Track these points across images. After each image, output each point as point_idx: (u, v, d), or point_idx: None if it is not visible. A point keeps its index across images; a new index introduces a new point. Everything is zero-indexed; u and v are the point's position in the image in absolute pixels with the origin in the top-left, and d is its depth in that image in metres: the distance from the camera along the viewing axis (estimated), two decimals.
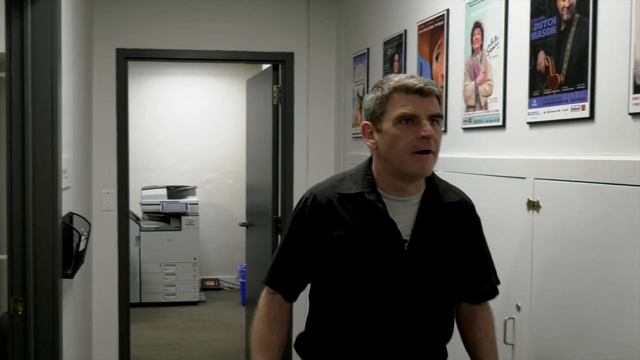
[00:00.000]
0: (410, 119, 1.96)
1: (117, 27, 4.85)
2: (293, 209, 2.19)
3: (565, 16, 2.18)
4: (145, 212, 7.99)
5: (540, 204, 2.21)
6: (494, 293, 2.23)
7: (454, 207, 2.13)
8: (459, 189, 2.20)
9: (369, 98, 2.06)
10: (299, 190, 5.06)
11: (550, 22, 2.26)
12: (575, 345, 2.05)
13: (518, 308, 2.33)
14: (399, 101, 1.97)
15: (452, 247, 2.11)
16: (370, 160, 2.13)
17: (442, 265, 2.09)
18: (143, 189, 8.05)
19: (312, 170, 5.10)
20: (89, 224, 3.90)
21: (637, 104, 1.85)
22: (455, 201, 2.14)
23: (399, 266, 2.04)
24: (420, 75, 3.39)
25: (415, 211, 2.07)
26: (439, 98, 2.02)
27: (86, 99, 4.40)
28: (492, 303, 2.26)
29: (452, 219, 2.12)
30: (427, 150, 1.96)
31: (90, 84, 4.66)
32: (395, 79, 2.01)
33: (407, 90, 1.97)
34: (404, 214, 2.06)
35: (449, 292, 2.13)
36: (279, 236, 5.11)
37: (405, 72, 3.65)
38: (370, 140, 2.06)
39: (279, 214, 5.10)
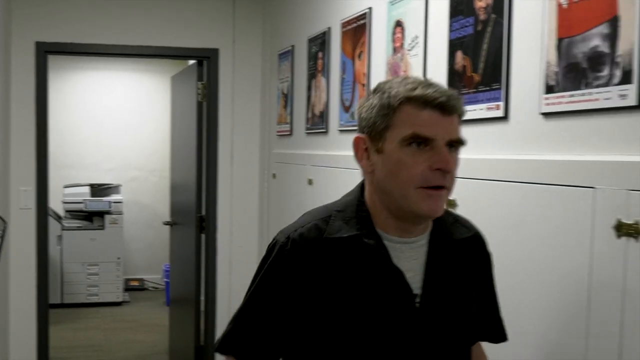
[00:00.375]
0: (424, 142, 1.46)
1: (37, 20, 4.71)
2: (263, 257, 1.63)
3: (482, 16, 2.21)
4: (67, 211, 7.80)
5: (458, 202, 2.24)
6: (504, 337, 1.80)
7: (466, 245, 1.65)
8: (467, 220, 1.73)
9: (369, 105, 1.53)
10: (224, 189, 5.02)
11: (467, 22, 2.29)
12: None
13: None
14: (412, 116, 1.46)
15: (469, 295, 1.65)
16: (361, 187, 1.61)
17: (461, 319, 1.63)
18: (65, 186, 7.86)
19: (236, 169, 5.07)
20: (5, 223, 3.77)
21: (548, 104, 1.89)
22: (467, 237, 1.66)
23: (410, 329, 1.55)
24: (344, 74, 3.40)
25: (423, 255, 1.58)
26: (460, 117, 1.52)
27: (3, 94, 4.26)
28: None
29: (466, 259, 1.65)
30: (441, 185, 1.48)
31: (8, 78, 4.51)
32: (409, 84, 1.49)
33: (425, 103, 1.46)
34: (410, 259, 1.56)
35: (468, 347, 1.70)
36: (202, 235, 5.06)
37: (328, 71, 3.65)
38: (365, 161, 1.54)
39: (203, 212, 5.05)
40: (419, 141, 1.45)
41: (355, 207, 1.58)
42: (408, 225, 1.55)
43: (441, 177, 1.46)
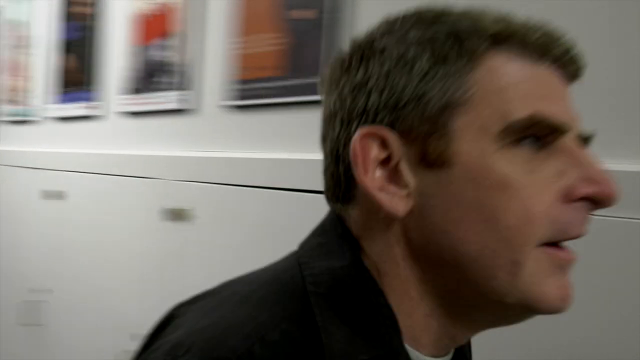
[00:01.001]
0: (550, 137, 0.59)
1: None
2: None
3: (87, 22, 2.41)
4: None
5: (68, 193, 2.38)
6: None
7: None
8: None
9: (391, 57, 0.60)
10: None
11: (75, 26, 2.48)
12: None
13: (50, 291, 2.47)
14: (522, 79, 0.59)
15: None
16: (351, 244, 0.63)
17: None
18: None
19: None
20: None
21: (126, 105, 2.15)
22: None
23: None
24: None
25: None
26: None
27: None
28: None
29: None
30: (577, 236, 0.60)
31: None
32: (489, 15, 0.61)
33: (545, 51, 0.60)
34: None
35: None
36: None
37: None
38: (384, 187, 0.60)
39: None
40: (541, 135, 0.59)
41: (360, 292, 0.61)
42: (464, 331, 0.65)
43: (585, 218, 0.60)
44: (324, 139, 0.65)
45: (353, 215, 0.63)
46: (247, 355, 0.55)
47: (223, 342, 0.57)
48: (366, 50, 0.61)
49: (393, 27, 0.62)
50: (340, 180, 0.63)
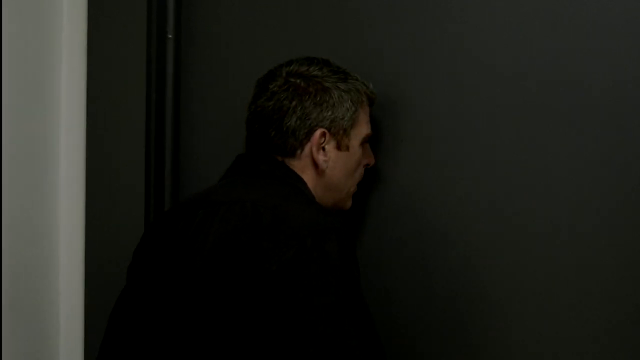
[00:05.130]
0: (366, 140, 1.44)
1: None
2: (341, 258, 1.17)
3: None
4: None
5: None
6: None
7: None
8: None
9: (336, 98, 1.36)
10: None
11: None
12: None
13: None
14: (367, 115, 1.42)
15: None
16: (300, 181, 1.35)
17: None
18: None
19: None
20: None
21: None
22: None
23: None
24: None
25: None
26: None
27: None
28: None
29: None
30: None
31: None
32: (360, 81, 1.41)
33: (371, 100, 1.44)
34: None
35: None
36: None
37: None
38: (322, 158, 1.35)
39: None
40: (367, 140, 1.42)
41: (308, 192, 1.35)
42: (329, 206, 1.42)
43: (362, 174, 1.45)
44: (287, 117, 1.31)
45: (296, 163, 1.33)
46: (333, 220, 1.20)
47: (313, 216, 1.20)
48: (315, 85, 1.33)
49: (323, 74, 1.35)
50: (295, 145, 1.32)
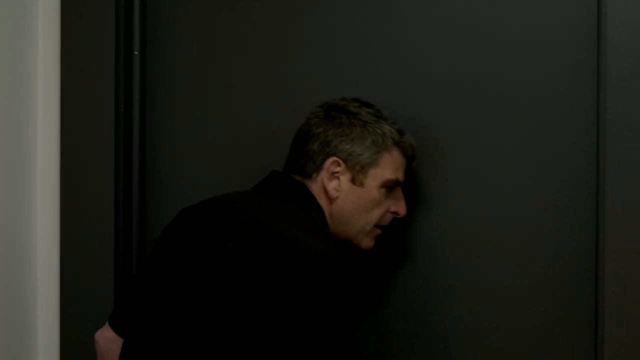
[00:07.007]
0: (394, 186, 1.48)
1: None
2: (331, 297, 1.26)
3: None
4: None
5: None
6: None
7: None
8: None
9: (358, 134, 1.43)
10: None
11: None
12: None
13: None
14: (396, 161, 1.46)
15: None
16: (316, 206, 1.42)
17: None
18: None
19: None
20: None
21: None
22: None
23: None
24: None
25: None
26: None
27: None
28: None
29: None
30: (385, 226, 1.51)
31: None
32: (392, 123, 1.46)
33: (405, 152, 1.48)
34: None
35: None
36: None
37: None
38: (334, 186, 1.42)
39: None
40: (392, 185, 1.46)
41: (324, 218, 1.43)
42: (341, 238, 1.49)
43: (390, 219, 1.49)
44: (311, 141, 1.42)
45: (314, 186, 1.41)
46: (342, 258, 1.26)
47: (323, 250, 1.26)
48: (344, 118, 1.42)
49: (358, 112, 1.44)
50: (312, 168, 1.41)
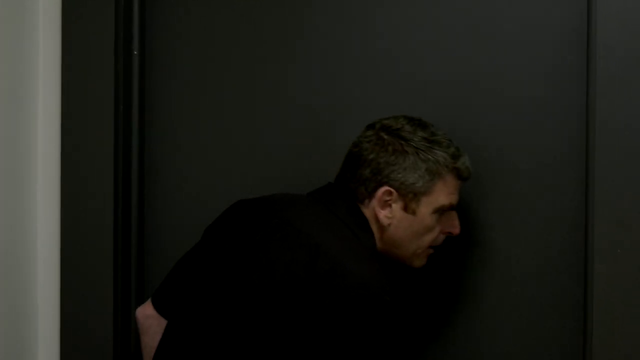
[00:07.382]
0: (448, 210, 1.44)
1: None
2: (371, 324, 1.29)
3: None
4: None
5: None
6: None
7: None
8: None
9: (411, 163, 1.39)
10: None
11: None
12: None
13: None
14: (450, 187, 1.42)
15: None
16: (368, 230, 1.41)
17: None
18: None
19: None
20: None
21: None
22: None
23: None
24: None
25: None
26: None
27: None
28: None
29: None
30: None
31: None
32: (448, 147, 1.42)
33: (459, 174, 1.43)
34: None
35: None
36: None
37: None
38: (386, 213, 1.40)
39: None
40: (446, 210, 1.43)
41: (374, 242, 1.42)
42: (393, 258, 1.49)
43: (443, 239, 1.48)
44: (363, 167, 1.39)
45: (365, 211, 1.39)
46: (385, 288, 1.28)
47: (370, 280, 1.28)
48: (397, 144, 1.38)
49: (411, 137, 1.38)
50: (364, 195, 1.39)
